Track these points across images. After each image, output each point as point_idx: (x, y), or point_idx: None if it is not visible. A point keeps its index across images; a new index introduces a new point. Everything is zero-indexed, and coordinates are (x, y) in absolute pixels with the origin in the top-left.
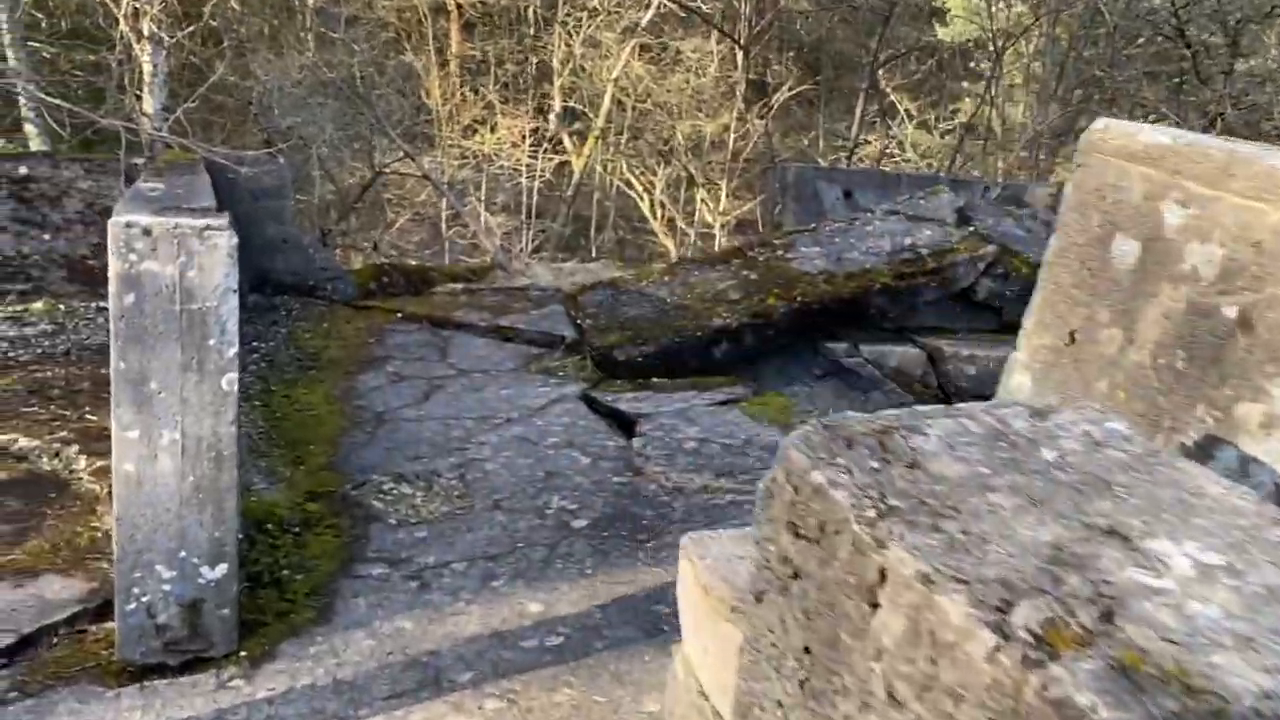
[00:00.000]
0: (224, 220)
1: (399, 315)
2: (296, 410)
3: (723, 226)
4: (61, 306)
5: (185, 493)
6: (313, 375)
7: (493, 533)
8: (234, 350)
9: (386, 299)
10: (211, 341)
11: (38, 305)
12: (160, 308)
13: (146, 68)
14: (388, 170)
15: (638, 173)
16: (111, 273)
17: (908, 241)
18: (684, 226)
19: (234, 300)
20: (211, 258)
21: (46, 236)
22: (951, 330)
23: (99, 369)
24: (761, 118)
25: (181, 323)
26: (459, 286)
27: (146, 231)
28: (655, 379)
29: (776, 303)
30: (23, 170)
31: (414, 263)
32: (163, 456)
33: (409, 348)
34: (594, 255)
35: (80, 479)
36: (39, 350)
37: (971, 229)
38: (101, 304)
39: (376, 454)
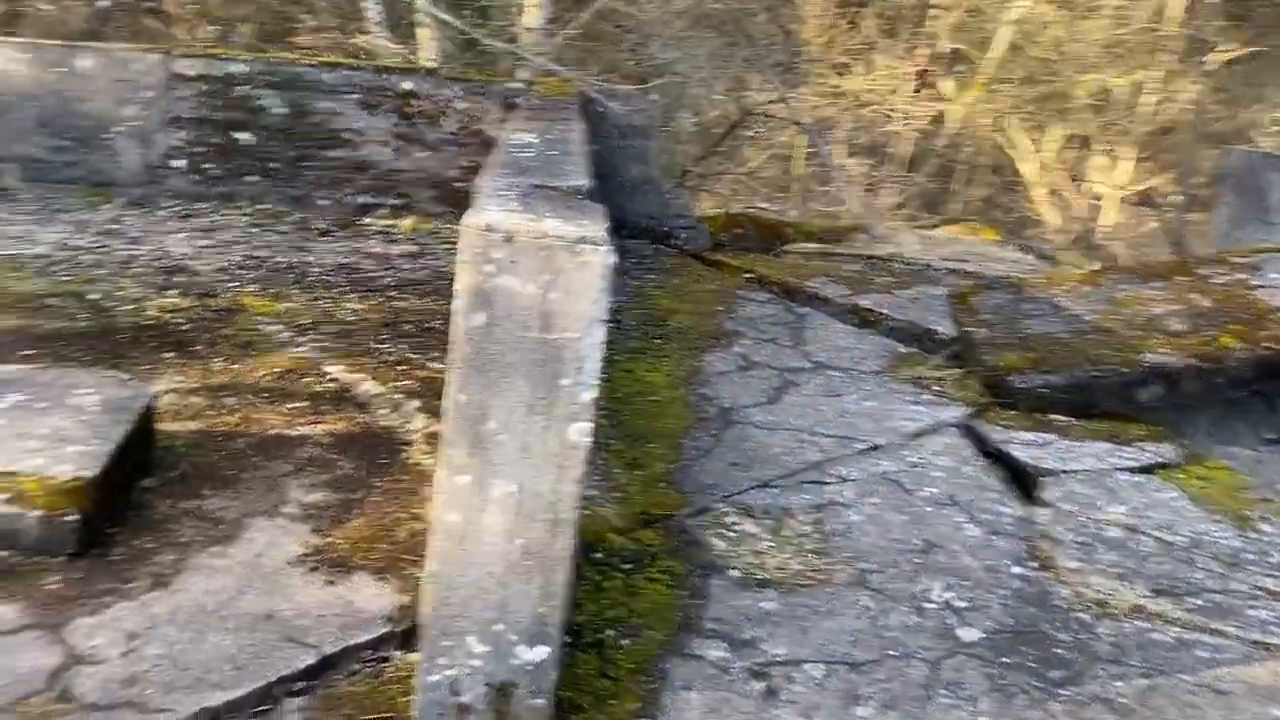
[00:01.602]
0: (601, 227)
1: (748, 277)
2: (639, 393)
3: (1121, 201)
4: (427, 226)
5: (512, 557)
6: (658, 347)
7: (858, 624)
8: (590, 395)
9: (737, 254)
10: (565, 382)
11: (405, 222)
12: (512, 334)
13: None
14: (757, 111)
15: (1024, 128)
16: (460, 284)
17: None
18: (1069, 195)
19: (600, 333)
20: (582, 278)
21: (421, 154)
22: None
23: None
24: (1197, 81)
25: (534, 355)
26: (814, 248)
27: (508, 239)
28: (1057, 416)
29: (1233, 344)
30: (407, 86)
31: (769, 215)
32: (492, 511)
33: (759, 324)
34: (959, 215)
35: (411, 445)
36: (399, 274)
37: None
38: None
39: (719, 467)
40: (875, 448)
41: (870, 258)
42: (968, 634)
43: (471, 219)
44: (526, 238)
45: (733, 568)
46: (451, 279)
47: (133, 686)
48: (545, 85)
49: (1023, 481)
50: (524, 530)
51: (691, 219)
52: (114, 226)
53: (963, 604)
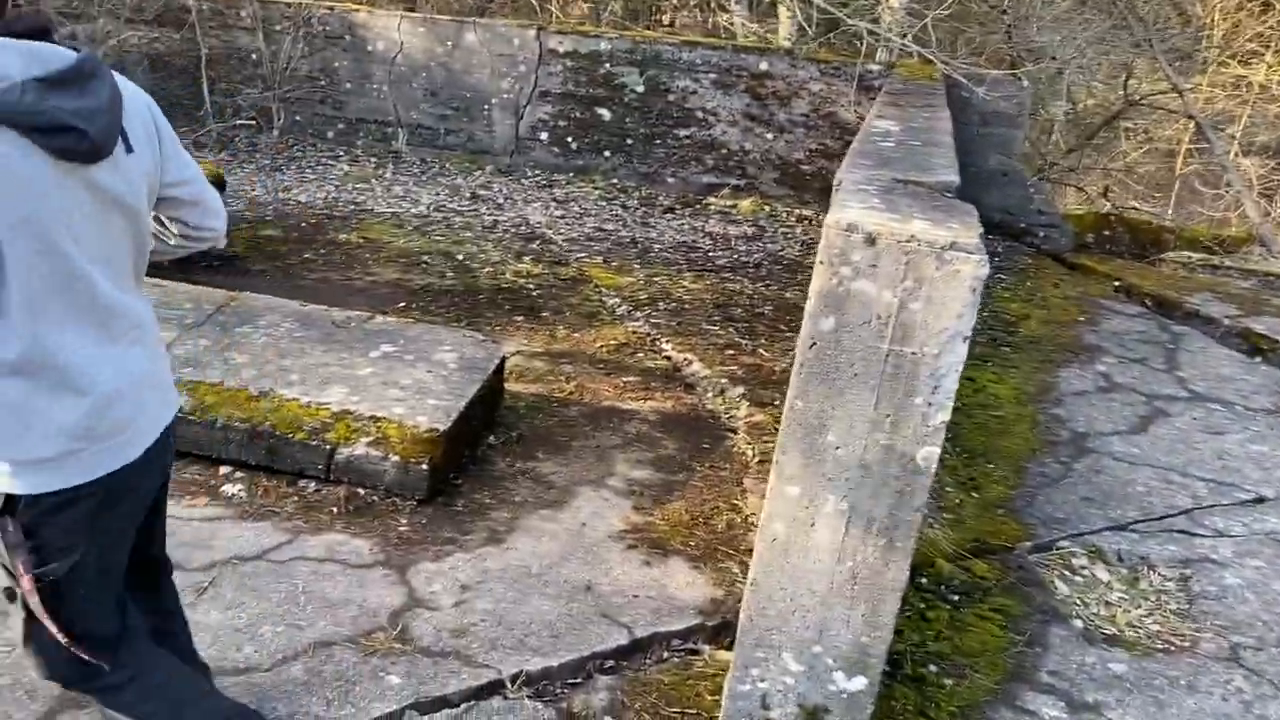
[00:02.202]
0: (974, 233)
1: (1115, 285)
2: (980, 405)
3: None
4: (766, 208)
5: (838, 579)
6: (1005, 356)
7: (1227, 707)
8: (943, 417)
9: (1103, 258)
10: (917, 401)
11: (745, 203)
12: (863, 343)
13: None
14: (1142, 101)
15: None
16: (815, 286)
17: None
18: None
19: (962, 351)
20: (948, 290)
21: (769, 136)
22: None
23: (783, 291)
24: None
25: (885, 367)
26: (1197, 258)
27: (870, 240)
28: None
29: None
30: (763, 66)
31: (1145, 217)
32: (821, 527)
33: (1126, 340)
34: None
35: (736, 433)
36: (735, 256)
37: None
38: (803, 212)
39: (1069, 500)
40: (1262, 500)
41: (1266, 275)
42: None
43: (832, 217)
44: (890, 240)
45: (1077, 617)
46: (785, 264)
47: (461, 638)
48: (907, 68)
49: None
50: (853, 553)
51: (1054, 216)
52: (483, 192)
53: None
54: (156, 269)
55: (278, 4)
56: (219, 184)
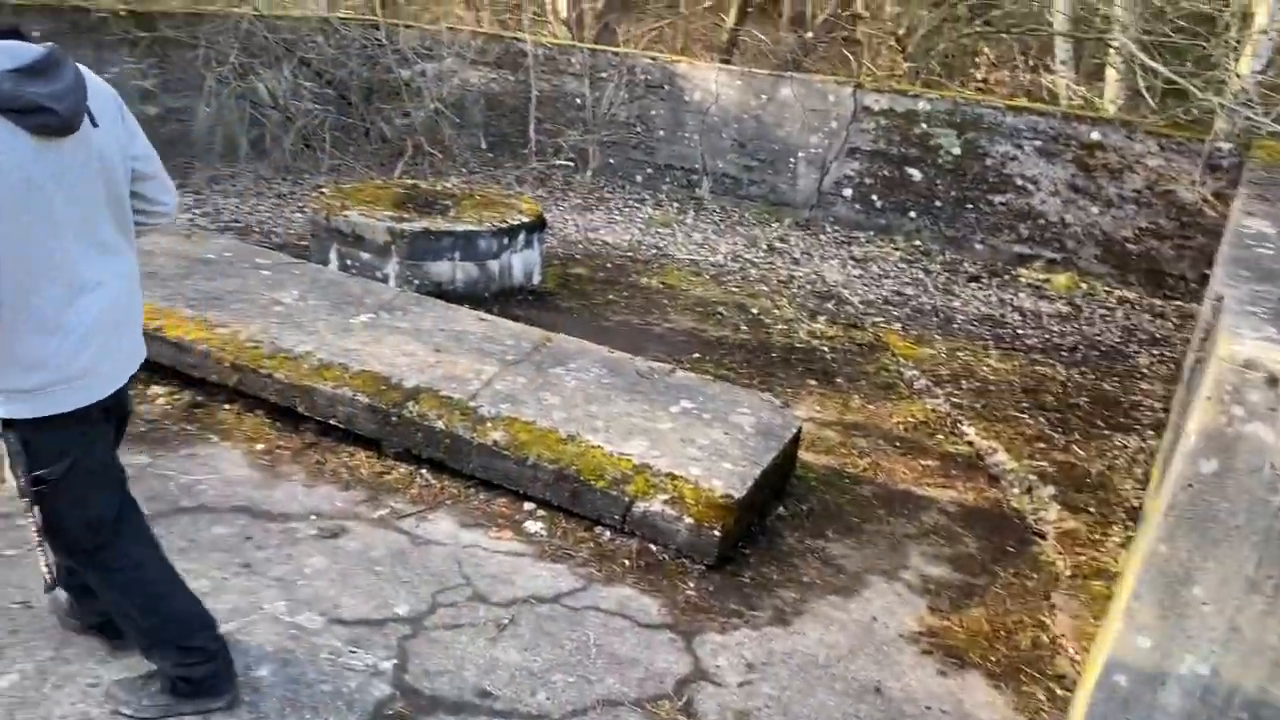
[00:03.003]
0: None
1: None
2: None
3: None
4: (1083, 286)
5: None
6: None
7: None
8: None
9: None
10: None
11: (1060, 279)
12: (1250, 494)
13: (1259, 19)
14: None
15: None
16: (1195, 421)
17: None
18: None
19: None
20: None
21: (1094, 209)
22: None
23: (1101, 382)
24: None
25: (1273, 524)
26: None
27: (1272, 381)
28: None
29: None
30: (1094, 135)
31: None
32: (1173, 690)
33: None
34: None
35: (1044, 539)
36: (1046, 336)
37: None
38: (1125, 294)
39: None
40: None
41: None
42: None
43: (1225, 348)
44: None
45: None
46: (1103, 350)
47: None
48: (1267, 150)
49: None
50: None
51: None
52: (780, 245)
53: None
54: (479, 302)
55: (605, 53)
56: (540, 224)
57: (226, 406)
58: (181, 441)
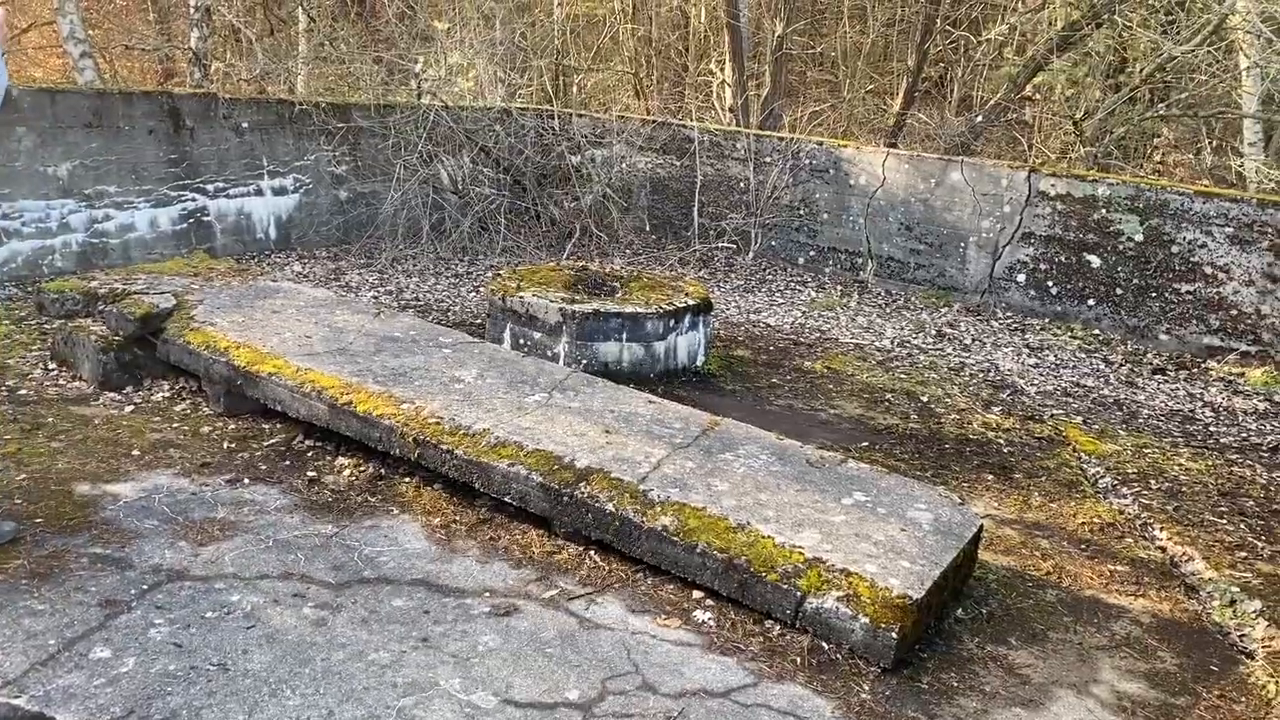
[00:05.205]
0: None
1: None
2: None
3: None
4: None
5: None
6: None
7: None
8: None
9: None
10: None
11: (1256, 373)
12: None
13: None
14: None
15: None
16: None
17: None
18: None
19: None
20: None
21: None
22: None
23: None
24: None
25: None
26: None
27: None
28: None
29: None
30: None
31: None
32: None
33: None
34: None
35: (1252, 658)
36: (1243, 435)
37: None
38: None
39: None
40: None
41: None
42: None
43: None
44: None
45: None
46: None
47: None
48: None
49: None
50: None
51: None
52: (949, 330)
53: None
54: (644, 383)
55: (770, 138)
56: (705, 306)
57: (407, 479)
58: (365, 513)
